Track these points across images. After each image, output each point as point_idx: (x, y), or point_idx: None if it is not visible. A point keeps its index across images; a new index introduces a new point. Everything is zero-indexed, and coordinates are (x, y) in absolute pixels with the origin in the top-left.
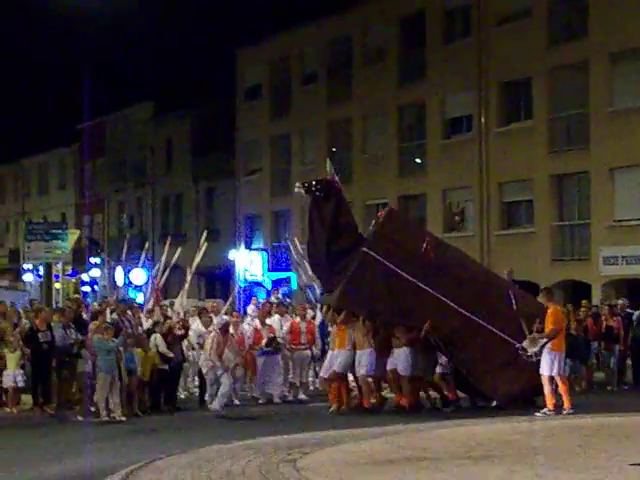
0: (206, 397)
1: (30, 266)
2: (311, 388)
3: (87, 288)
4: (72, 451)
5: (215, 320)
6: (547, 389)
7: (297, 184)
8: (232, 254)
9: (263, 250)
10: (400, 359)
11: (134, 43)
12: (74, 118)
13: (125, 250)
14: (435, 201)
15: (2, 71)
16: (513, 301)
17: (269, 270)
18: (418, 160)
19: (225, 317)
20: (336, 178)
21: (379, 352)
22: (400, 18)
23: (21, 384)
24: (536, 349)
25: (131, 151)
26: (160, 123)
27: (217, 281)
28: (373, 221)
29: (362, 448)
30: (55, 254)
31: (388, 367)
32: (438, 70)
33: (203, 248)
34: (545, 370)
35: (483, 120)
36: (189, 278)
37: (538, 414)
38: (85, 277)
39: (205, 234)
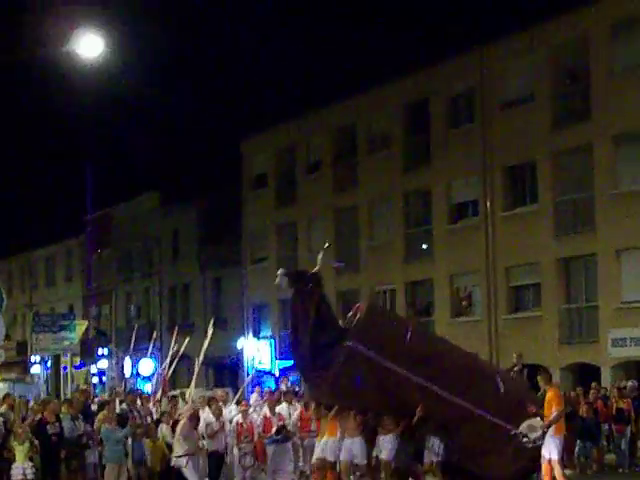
0: None
1: (38, 358)
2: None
3: (95, 379)
4: None
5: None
6: (558, 472)
7: (279, 272)
8: (240, 343)
9: (271, 338)
10: (385, 446)
11: (139, 133)
12: (81, 209)
13: (133, 340)
14: (442, 286)
15: (7, 163)
16: (500, 385)
17: (277, 358)
18: (425, 246)
19: (193, 404)
20: (338, 265)
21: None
22: (404, 104)
23: (30, 477)
24: (538, 434)
25: (137, 241)
26: (166, 213)
27: (225, 370)
28: (350, 313)
29: None
30: (63, 345)
31: (374, 454)
32: (443, 155)
33: (209, 336)
34: (553, 454)
35: (489, 204)
36: (197, 368)
37: None
38: (93, 368)
39: (212, 322)
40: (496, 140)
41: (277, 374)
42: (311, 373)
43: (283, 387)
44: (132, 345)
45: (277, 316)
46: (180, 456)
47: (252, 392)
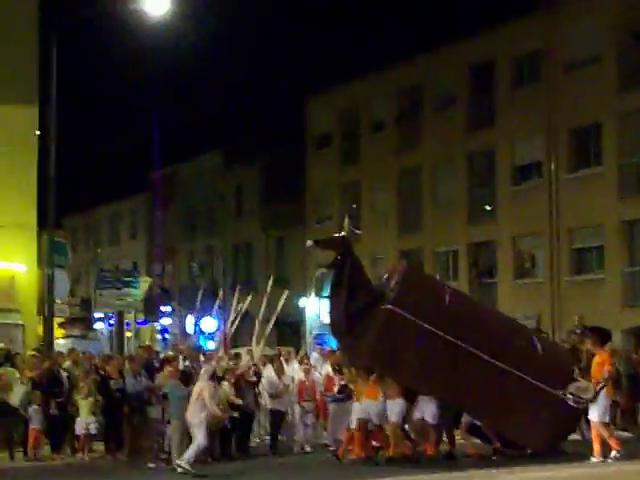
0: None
1: (101, 315)
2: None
3: (158, 336)
4: None
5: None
6: (606, 434)
7: (308, 243)
8: (302, 302)
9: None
10: (427, 408)
11: (204, 91)
12: (145, 167)
13: (199, 299)
14: (505, 248)
15: (74, 121)
16: (539, 347)
17: None
18: (488, 207)
19: (213, 364)
20: (356, 232)
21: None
22: (469, 65)
23: (93, 431)
24: (589, 396)
25: (201, 199)
26: (230, 171)
27: (287, 329)
28: (385, 276)
29: None
30: (127, 302)
31: (415, 416)
32: (507, 117)
33: (268, 292)
34: (603, 416)
35: (553, 166)
36: (257, 326)
37: (606, 459)
38: (156, 326)
39: (271, 281)
40: (561, 101)
41: None
42: (347, 339)
43: None
44: (198, 303)
45: None
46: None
47: (314, 351)
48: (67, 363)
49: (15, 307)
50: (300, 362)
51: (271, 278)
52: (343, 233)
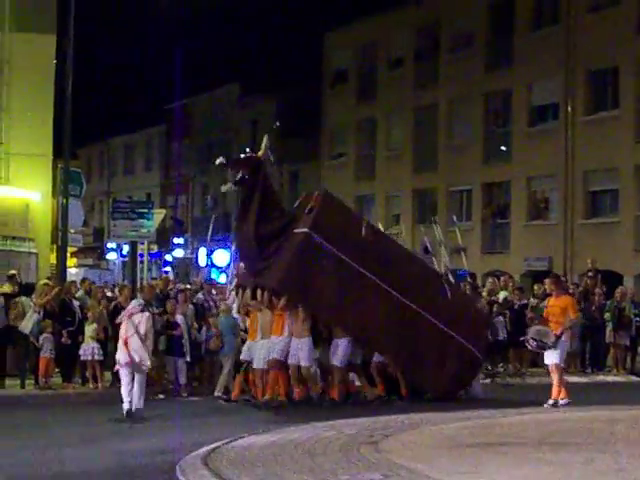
0: None
1: (114, 245)
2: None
3: (169, 268)
4: (155, 427)
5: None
6: (557, 378)
7: (220, 158)
8: None
9: None
10: (338, 350)
11: (221, 25)
12: (161, 99)
13: (211, 230)
14: (520, 189)
15: (88, 52)
16: (448, 294)
17: None
18: (503, 147)
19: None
20: (270, 156)
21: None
22: (489, 4)
23: (97, 357)
24: (551, 340)
25: (217, 132)
26: (246, 105)
27: None
28: (298, 202)
29: (442, 432)
30: (140, 233)
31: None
32: (525, 57)
33: None
34: (559, 359)
35: (569, 108)
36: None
37: (548, 405)
38: (168, 257)
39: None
40: (580, 43)
41: None
42: (256, 262)
43: None
44: (210, 235)
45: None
46: None
47: None
48: (79, 292)
49: (29, 236)
50: None
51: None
52: (260, 153)
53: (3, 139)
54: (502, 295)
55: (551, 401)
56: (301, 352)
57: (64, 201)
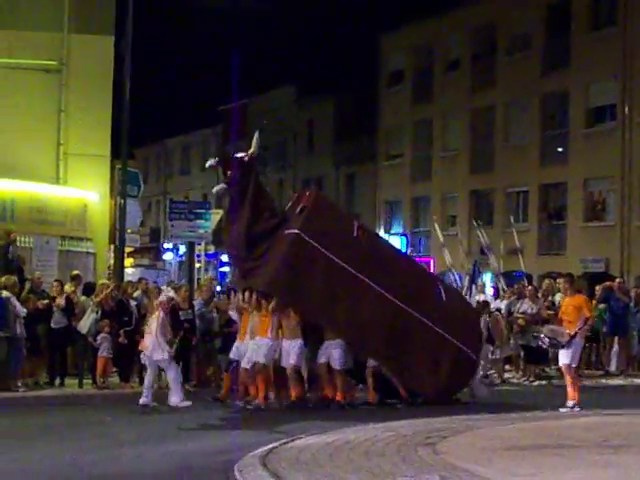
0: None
1: (170, 245)
2: None
3: (226, 268)
4: (212, 428)
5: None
6: (570, 378)
7: (210, 160)
8: None
9: (402, 235)
10: (334, 353)
11: (278, 26)
12: (217, 100)
13: None
14: (576, 190)
15: (146, 53)
16: (443, 295)
17: None
18: (560, 149)
19: (170, 294)
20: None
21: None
22: (546, 5)
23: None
24: (565, 339)
25: (273, 134)
26: (302, 107)
27: None
28: (290, 202)
29: (498, 434)
30: (198, 234)
31: (320, 360)
32: (583, 58)
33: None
34: (569, 359)
35: (627, 109)
36: None
37: (564, 409)
38: (224, 258)
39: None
40: (637, 44)
41: None
42: (246, 263)
43: None
44: None
45: (409, 213)
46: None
47: None
48: (137, 292)
49: (87, 236)
50: None
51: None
52: (251, 151)
53: (61, 140)
54: (558, 297)
55: (570, 403)
56: (292, 353)
57: (122, 201)
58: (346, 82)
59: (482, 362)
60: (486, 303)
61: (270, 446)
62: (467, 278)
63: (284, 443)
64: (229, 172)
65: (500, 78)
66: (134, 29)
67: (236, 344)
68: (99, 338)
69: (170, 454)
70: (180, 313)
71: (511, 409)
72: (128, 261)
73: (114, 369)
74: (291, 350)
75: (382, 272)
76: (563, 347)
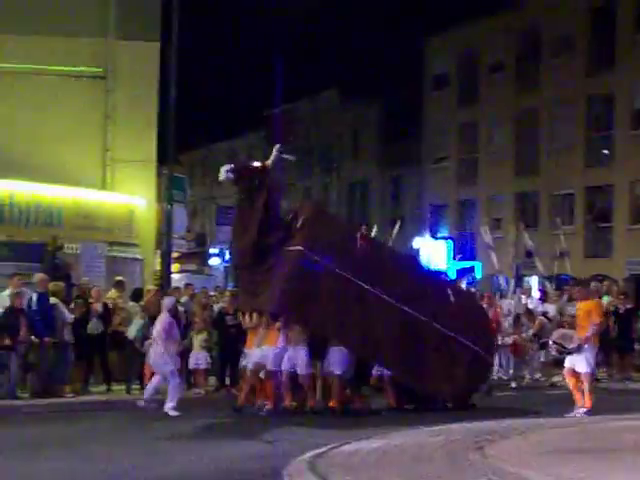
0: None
1: (216, 250)
2: (494, 377)
3: None
4: (260, 431)
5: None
6: (588, 387)
7: (223, 168)
8: (417, 242)
9: (448, 238)
10: (336, 360)
11: (322, 30)
12: (261, 104)
13: None
14: (623, 192)
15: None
16: (452, 297)
17: (453, 259)
18: (605, 151)
19: (173, 298)
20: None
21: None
22: (590, 7)
23: (204, 366)
24: (575, 344)
25: (318, 137)
26: (347, 110)
27: None
28: (290, 216)
29: (546, 438)
30: None
31: (326, 370)
32: (628, 60)
33: (394, 236)
34: (588, 367)
35: None
36: None
37: (575, 414)
38: None
39: (398, 225)
40: None
41: (453, 275)
42: (250, 284)
43: None
44: None
45: (455, 216)
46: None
47: None
48: (184, 298)
49: (134, 241)
50: None
51: (398, 223)
52: (268, 162)
53: (108, 146)
54: (605, 299)
55: (581, 410)
56: (298, 360)
57: (168, 207)
58: (391, 85)
59: (531, 366)
60: (529, 311)
61: (319, 451)
62: (513, 281)
63: (333, 448)
64: (239, 178)
65: (545, 80)
66: (179, 34)
67: (245, 351)
68: (146, 344)
69: (217, 459)
70: (227, 318)
71: (558, 412)
72: (174, 266)
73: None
74: (297, 357)
75: (389, 281)
76: (570, 353)
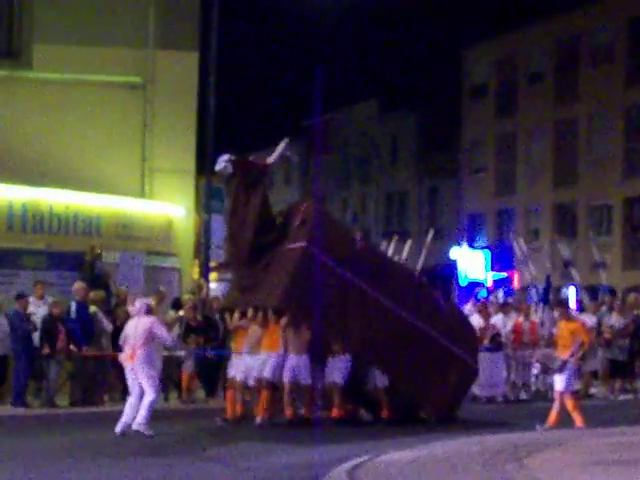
0: None
1: None
2: (533, 388)
3: None
4: (295, 442)
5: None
6: (572, 406)
7: (223, 157)
8: (454, 252)
9: (485, 248)
10: (337, 369)
11: (362, 40)
12: (301, 114)
13: None
14: None
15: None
16: (442, 306)
17: (491, 269)
18: None
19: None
20: (291, 157)
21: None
22: (629, 18)
23: None
24: (558, 364)
25: (355, 148)
26: (385, 120)
27: (437, 279)
28: (284, 214)
29: (585, 449)
30: None
31: (329, 379)
32: None
33: (427, 245)
34: (565, 386)
35: None
36: None
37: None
38: None
39: (431, 233)
40: None
41: (490, 285)
42: (244, 279)
43: (492, 298)
44: None
45: (493, 227)
46: None
47: (465, 302)
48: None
49: (172, 251)
50: None
51: (431, 232)
52: (269, 159)
53: (146, 155)
54: None
55: (545, 426)
56: (302, 370)
57: (206, 216)
58: (429, 95)
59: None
60: None
61: (358, 460)
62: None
63: (372, 457)
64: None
65: (583, 90)
66: (218, 43)
67: (234, 360)
68: (184, 353)
69: (256, 468)
70: None
71: (597, 423)
72: (212, 276)
73: (199, 384)
74: (299, 366)
75: (387, 285)
76: (556, 372)
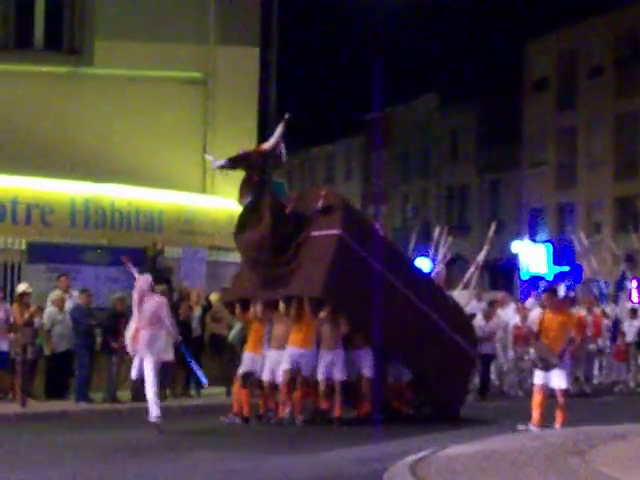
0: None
1: None
2: (595, 382)
3: None
4: (357, 436)
5: None
6: (562, 402)
7: (218, 161)
8: (515, 246)
9: (547, 242)
10: (365, 362)
11: (420, 34)
12: (360, 109)
13: (413, 241)
14: None
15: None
16: (449, 297)
17: (553, 263)
18: None
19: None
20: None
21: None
22: None
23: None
24: (554, 358)
25: (416, 142)
26: (445, 114)
27: (499, 273)
28: (298, 200)
29: None
30: None
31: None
32: None
33: (489, 240)
34: (565, 383)
35: None
36: (472, 270)
37: (524, 427)
38: None
39: (494, 227)
40: None
41: (552, 279)
42: (273, 269)
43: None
44: (412, 245)
45: (554, 220)
46: None
47: (527, 296)
48: None
49: (234, 246)
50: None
51: (493, 225)
52: (266, 146)
53: (208, 151)
54: None
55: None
56: (336, 366)
57: None
58: (490, 89)
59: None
60: (634, 311)
61: (420, 455)
62: (612, 286)
63: (434, 451)
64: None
65: None
66: (278, 38)
67: (250, 355)
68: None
69: (317, 462)
70: None
71: None
72: None
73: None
74: (334, 362)
75: (407, 277)
76: (554, 368)
